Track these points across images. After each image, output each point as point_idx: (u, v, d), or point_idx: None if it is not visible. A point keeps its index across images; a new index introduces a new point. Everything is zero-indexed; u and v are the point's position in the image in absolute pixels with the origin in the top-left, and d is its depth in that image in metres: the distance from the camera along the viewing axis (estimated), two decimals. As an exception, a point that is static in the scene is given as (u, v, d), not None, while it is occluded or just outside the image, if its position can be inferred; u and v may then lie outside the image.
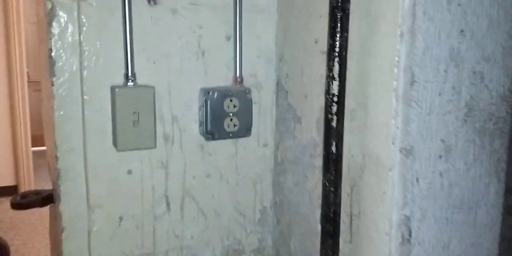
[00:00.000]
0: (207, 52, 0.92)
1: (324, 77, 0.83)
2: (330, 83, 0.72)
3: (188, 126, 0.91)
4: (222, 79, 0.94)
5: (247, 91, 0.94)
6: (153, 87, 0.84)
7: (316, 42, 0.85)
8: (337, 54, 0.71)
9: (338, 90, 0.72)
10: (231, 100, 0.91)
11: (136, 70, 0.82)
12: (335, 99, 0.72)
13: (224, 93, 0.90)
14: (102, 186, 0.86)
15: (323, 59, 0.83)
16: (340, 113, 0.72)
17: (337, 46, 0.71)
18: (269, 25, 0.97)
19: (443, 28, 0.68)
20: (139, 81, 0.83)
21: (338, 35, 0.70)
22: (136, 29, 0.82)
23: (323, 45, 0.83)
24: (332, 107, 0.72)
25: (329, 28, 0.71)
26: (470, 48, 0.70)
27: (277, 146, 1.01)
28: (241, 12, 0.91)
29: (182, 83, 0.90)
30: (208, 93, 0.90)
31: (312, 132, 0.88)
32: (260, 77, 0.98)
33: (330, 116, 0.72)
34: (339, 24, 0.70)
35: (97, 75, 0.82)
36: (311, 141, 0.89)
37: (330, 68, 0.72)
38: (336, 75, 0.71)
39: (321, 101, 0.84)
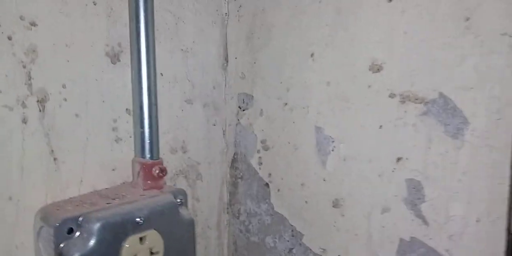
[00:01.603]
0: (54, 100, 0.31)
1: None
2: None
3: None
4: (105, 173, 0.33)
5: (179, 200, 0.34)
6: None
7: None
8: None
9: None
10: (141, 239, 0.30)
11: None
12: None
13: (122, 220, 0.29)
14: None
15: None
16: None
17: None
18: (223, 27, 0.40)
19: None
20: None
21: None
22: None
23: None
24: None
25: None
26: None
27: None
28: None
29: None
30: (59, 226, 0.28)
31: None
32: (199, 156, 0.39)
33: None
34: None
35: None
36: None
37: None
38: None
39: None
